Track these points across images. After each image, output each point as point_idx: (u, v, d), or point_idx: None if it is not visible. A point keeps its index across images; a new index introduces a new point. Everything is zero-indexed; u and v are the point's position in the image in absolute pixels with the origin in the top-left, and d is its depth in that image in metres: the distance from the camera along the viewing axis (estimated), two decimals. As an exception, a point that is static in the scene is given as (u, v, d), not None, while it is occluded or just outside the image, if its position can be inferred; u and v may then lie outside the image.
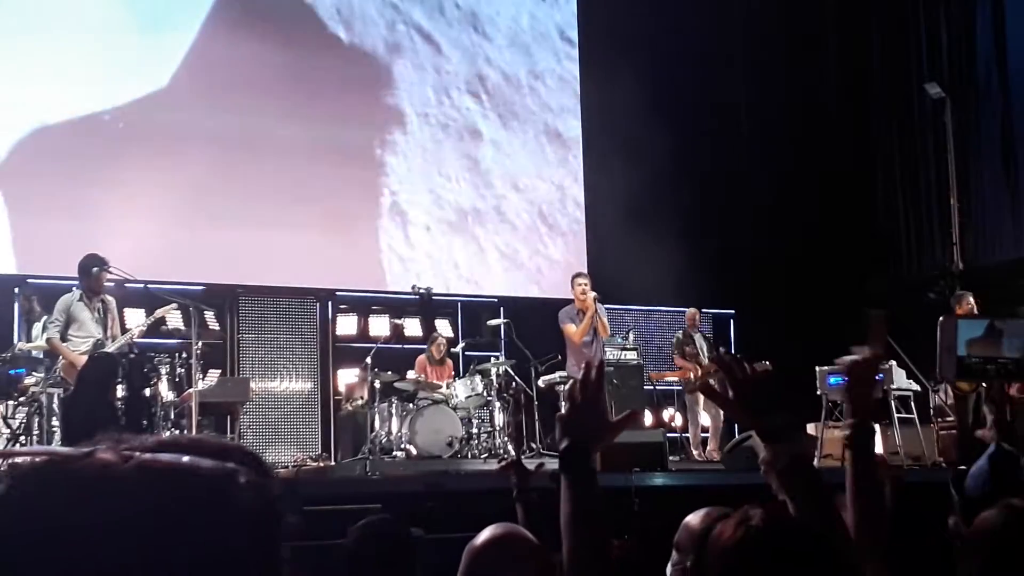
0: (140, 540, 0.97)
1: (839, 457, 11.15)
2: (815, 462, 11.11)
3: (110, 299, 9.83)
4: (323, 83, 14.07)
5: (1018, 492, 3.00)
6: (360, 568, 3.77)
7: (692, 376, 12.98)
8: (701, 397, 12.77)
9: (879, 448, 11.62)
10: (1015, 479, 3.12)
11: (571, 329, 11.13)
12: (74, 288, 9.74)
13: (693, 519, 3.12)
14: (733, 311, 15.58)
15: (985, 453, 3.31)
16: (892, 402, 11.47)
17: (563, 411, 2.49)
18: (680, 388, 13.90)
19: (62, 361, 9.56)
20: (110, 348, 9.56)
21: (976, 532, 2.58)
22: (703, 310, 15.17)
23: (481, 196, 14.79)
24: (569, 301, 11.39)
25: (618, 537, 7.34)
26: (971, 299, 11.97)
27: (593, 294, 11.11)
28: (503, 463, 4.80)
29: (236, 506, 1.03)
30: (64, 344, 9.52)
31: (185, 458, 1.03)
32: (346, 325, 13.80)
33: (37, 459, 1.02)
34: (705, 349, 13.10)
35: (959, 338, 2.27)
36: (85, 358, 9.36)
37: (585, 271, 12.06)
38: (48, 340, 9.70)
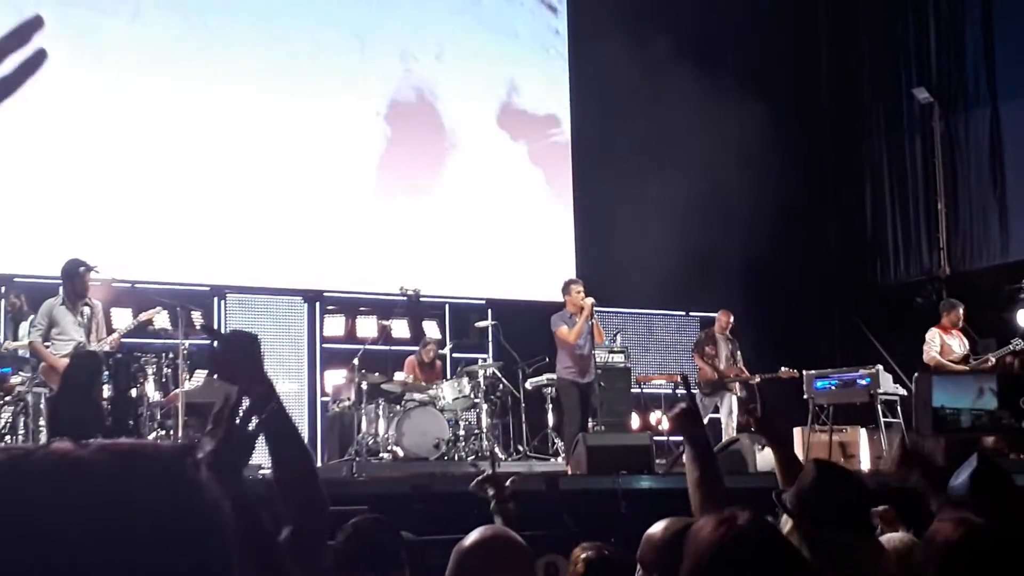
0: (107, 520, 0.98)
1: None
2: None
3: (96, 303, 9.79)
4: (311, 77, 14.07)
5: (1000, 509, 3.00)
6: (349, 569, 3.77)
7: (690, 378, 12.95)
8: (714, 398, 12.76)
9: (866, 452, 11.66)
10: (998, 496, 3.12)
11: (565, 331, 11.04)
12: (60, 290, 9.71)
13: (655, 531, 3.11)
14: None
15: (967, 470, 3.32)
16: (879, 406, 11.50)
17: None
18: (667, 391, 13.93)
19: (42, 364, 9.53)
20: (92, 348, 9.53)
21: (931, 543, 2.57)
22: (690, 313, 15.19)
23: (470, 199, 14.77)
24: (558, 304, 11.34)
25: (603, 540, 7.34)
26: (961, 311, 12.00)
27: (591, 300, 11.05)
28: (478, 480, 4.78)
29: (196, 483, 1.05)
30: (46, 347, 9.49)
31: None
32: (333, 326, 13.76)
33: None
34: (725, 355, 12.94)
35: (934, 391, 2.25)
36: (65, 362, 9.31)
37: (575, 276, 12.05)
38: (30, 343, 9.68)
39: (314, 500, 2.38)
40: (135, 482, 1.01)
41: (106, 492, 1.00)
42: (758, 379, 12.73)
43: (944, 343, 11.76)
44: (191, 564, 1.03)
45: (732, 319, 13.18)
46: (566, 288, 11.35)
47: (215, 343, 2.31)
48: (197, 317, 11.06)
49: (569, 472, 9.96)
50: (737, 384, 12.76)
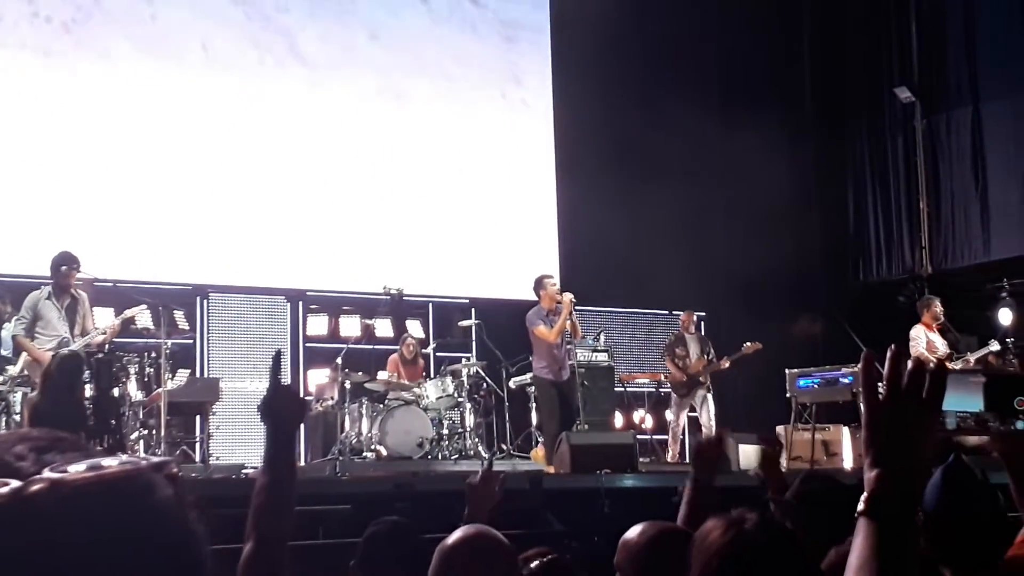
0: (69, 556, 0.94)
1: (808, 459, 11.21)
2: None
3: (83, 295, 9.78)
4: (294, 75, 14.05)
5: (973, 506, 3.02)
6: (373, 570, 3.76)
7: (668, 379, 13.04)
8: (690, 398, 12.80)
9: (848, 450, 11.68)
10: (971, 494, 3.13)
11: (544, 330, 10.79)
12: (43, 285, 9.70)
13: (631, 536, 3.11)
14: (704, 313, 15.60)
15: (940, 467, 3.33)
16: (862, 405, 11.50)
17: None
18: (650, 390, 13.96)
19: (26, 358, 9.51)
20: (76, 345, 9.50)
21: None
22: (673, 312, 15.20)
23: (454, 197, 14.75)
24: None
25: (586, 539, 7.35)
26: (938, 304, 12.06)
27: (570, 295, 10.90)
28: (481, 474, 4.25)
29: (165, 502, 1.01)
30: (30, 341, 9.48)
31: (109, 463, 0.99)
32: (316, 325, 13.75)
33: None
34: (695, 353, 12.99)
35: None
36: (50, 355, 9.31)
37: (551, 273, 11.91)
38: (14, 337, 9.66)
39: (286, 511, 2.43)
40: (101, 513, 0.97)
41: (71, 528, 0.95)
42: (727, 363, 12.87)
43: (929, 339, 11.81)
44: None
45: (695, 317, 13.44)
46: (539, 284, 11.05)
47: (272, 388, 2.55)
48: (180, 316, 11.02)
49: (552, 471, 9.94)
50: (708, 375, 12.89)
